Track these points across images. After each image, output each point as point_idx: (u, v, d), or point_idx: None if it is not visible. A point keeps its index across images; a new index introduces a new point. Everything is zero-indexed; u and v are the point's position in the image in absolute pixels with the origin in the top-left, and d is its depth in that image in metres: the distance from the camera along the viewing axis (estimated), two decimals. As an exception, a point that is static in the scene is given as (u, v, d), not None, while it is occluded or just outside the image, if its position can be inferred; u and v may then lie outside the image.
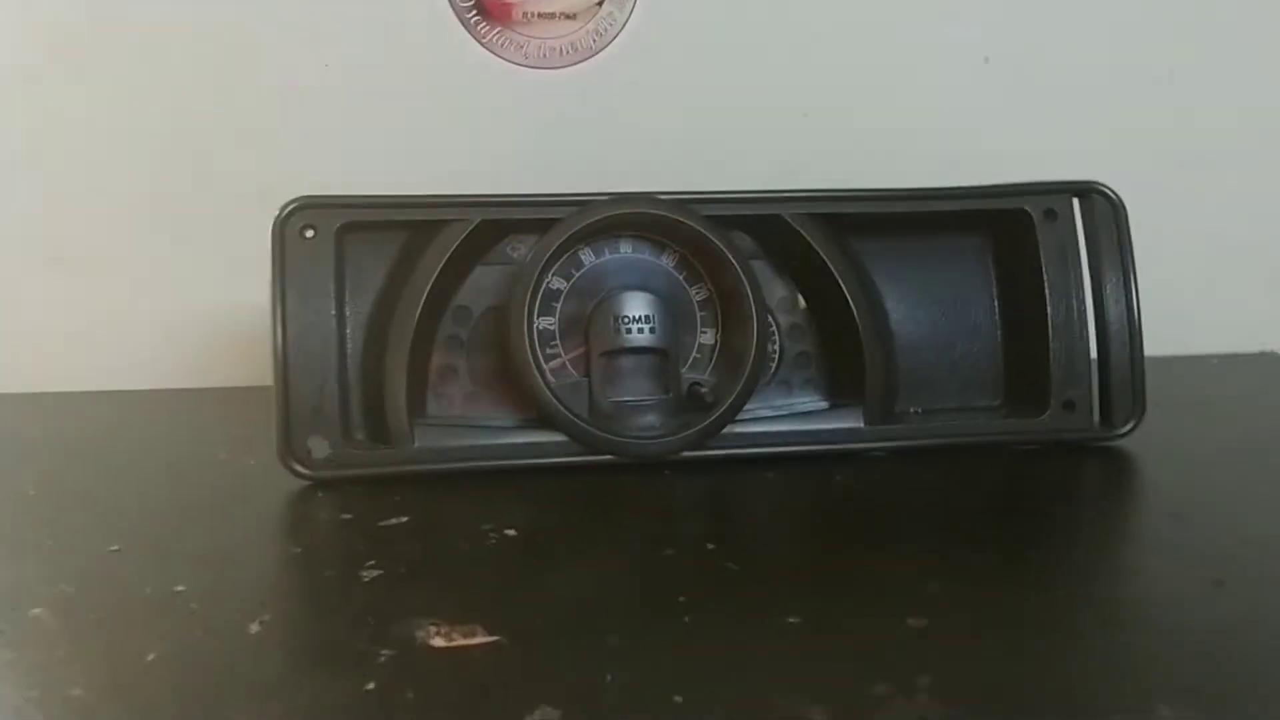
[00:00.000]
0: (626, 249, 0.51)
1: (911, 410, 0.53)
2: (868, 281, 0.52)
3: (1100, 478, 0.48)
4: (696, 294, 0.52)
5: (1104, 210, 0.51)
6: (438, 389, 0.50)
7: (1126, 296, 0.51)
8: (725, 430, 0.49)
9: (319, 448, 0.47)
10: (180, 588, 0.35)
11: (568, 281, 0.51)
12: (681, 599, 0.33)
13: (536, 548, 0.39)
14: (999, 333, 0.54)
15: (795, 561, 0.38)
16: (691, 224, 0.49)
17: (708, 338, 0.52)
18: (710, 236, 0.49)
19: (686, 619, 0.31)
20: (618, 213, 0.49)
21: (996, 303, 0.54)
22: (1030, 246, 0.51)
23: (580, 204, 0.49)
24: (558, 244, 0.48)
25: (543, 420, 0.48)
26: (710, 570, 0.36)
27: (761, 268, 0.52)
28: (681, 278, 0.52)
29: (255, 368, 0.54)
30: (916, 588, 0.33)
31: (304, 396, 0.47)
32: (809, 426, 0.50)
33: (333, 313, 0.47)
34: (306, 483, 0.47)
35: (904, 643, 0.29)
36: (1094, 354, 0.51)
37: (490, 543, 0.39)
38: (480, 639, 0.30)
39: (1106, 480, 0.48)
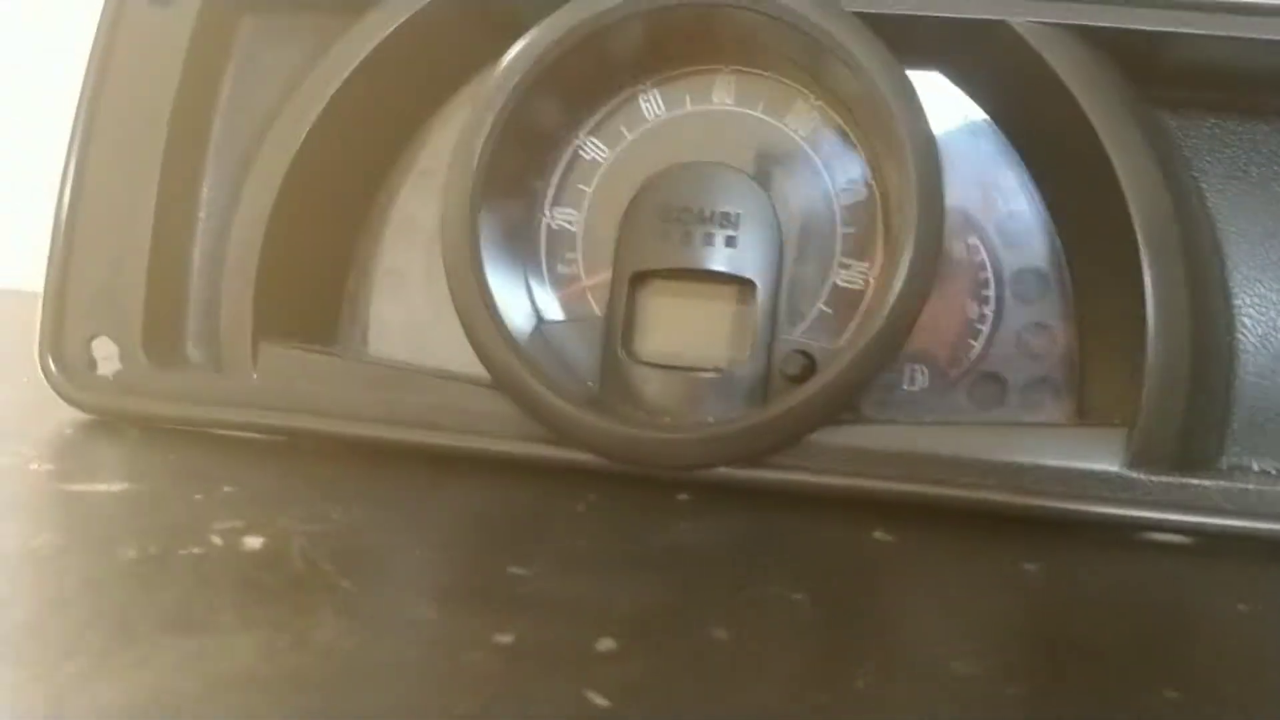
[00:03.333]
0: (724, 94, 0.27)
1: (1258, 468, 0.25)
2: (1189, 200, 0.24)
3: None
4: (843, 192, 0.27)
5: None
6: (377, 308, 0.29)
7: None
8: (815, 435, 0.24)
9: (106, 357, 0.27)
10: None
11: (611, 148, 0.28)
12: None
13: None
14: None
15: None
16: (846, 44, 0.24)
17: (852, 276, 0.26)
18: (875, 67, 0.24)
19: None
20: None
21: None
22: None
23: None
24: (557, 37, 0.25)
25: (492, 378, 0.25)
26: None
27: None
28: (818, 156, 0.27)
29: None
30: None
31: (90, 264, 0.27)
32: (991, 455, 0.24)
33: (162, 132, 0.27)
34: (86, 416, 0.27)
35: None
36: None
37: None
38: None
39: None
